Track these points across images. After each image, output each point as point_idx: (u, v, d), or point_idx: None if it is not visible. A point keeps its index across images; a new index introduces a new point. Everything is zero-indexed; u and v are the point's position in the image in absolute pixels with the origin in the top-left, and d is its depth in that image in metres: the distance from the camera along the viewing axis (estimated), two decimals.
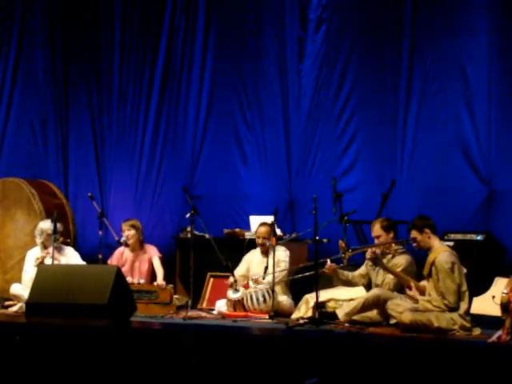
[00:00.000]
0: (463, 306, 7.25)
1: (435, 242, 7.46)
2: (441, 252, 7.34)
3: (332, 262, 8.11)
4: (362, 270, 8.24)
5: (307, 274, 8.32)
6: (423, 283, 7.54)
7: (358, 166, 9.80)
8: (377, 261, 7.78)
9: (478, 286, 7.78)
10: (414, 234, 7.48)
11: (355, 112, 9.81)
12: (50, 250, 8.70)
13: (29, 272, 8.87)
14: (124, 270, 8.83)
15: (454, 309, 7.19)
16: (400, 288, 7.80)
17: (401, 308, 7.44)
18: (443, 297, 7.19)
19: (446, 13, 9.39)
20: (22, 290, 8.81)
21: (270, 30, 10.22)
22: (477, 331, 7.19)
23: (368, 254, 7.97)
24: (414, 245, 7.51)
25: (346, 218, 8.73)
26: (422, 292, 7.44)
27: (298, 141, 10.07)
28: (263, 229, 8.87)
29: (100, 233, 8.97)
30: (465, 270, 7.42)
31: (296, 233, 9.32)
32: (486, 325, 7.35)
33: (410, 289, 7.51)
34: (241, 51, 10.37)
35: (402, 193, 9.41)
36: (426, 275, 7.43)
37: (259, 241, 8.90)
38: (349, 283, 8.23)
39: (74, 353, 6.54)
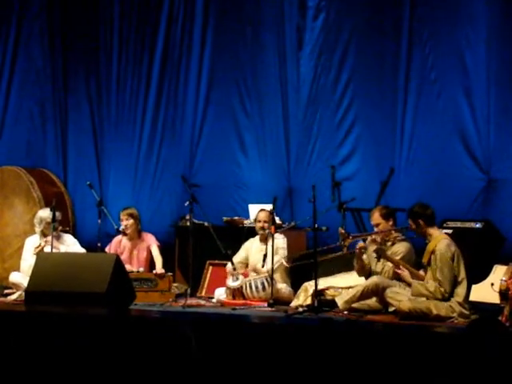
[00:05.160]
0: (462, 293, 7.27)
1: (433, 231, 7.49)
2: (440, 240, 7.36)
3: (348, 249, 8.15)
4: (364, 258, 8.22)
5: (307, 261, 8.32)
6: (421, 272, 7.56)
7: (357, 154, 9.78)
8: (380, 252, 7.76)
9: (477, 273, 7.78)
10: (410, 221, 7.54)
11: (354, 100, 9.78)
12: (49, 238, 8.71)
13: (27, 260, 8.87)
14: (122, 258, 8.81)
15: (447, 299, 7.22)
16: (399, 276, 7.81)
17: (400, 296, 7.46)
18: (440, 285, 7.22)
19: (444, 1, 9.37)
20: (21, 278, 8.82)
21: (268, 17, 10.17)
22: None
23: (369, 243, 7.98)
24: (413, 230, 7.56)
25: (344, 206, 8.72)
26: (420, 280, 7.46)
27: (297, 129, 10.05)
28: (263, 213, 8.89)
29: (99, 221, 8.99)
30: None
31: (295, 221, 9.33)
32: (485, 312, 7.35)
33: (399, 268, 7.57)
34: (239, 39, 10.32)
35: (400, 181, 9.41)
36: (425, 263, 7.45)
37: (259, 225, 8.89)
38: (363, 270, 8.14)
39: (73, 341, 6.54)
